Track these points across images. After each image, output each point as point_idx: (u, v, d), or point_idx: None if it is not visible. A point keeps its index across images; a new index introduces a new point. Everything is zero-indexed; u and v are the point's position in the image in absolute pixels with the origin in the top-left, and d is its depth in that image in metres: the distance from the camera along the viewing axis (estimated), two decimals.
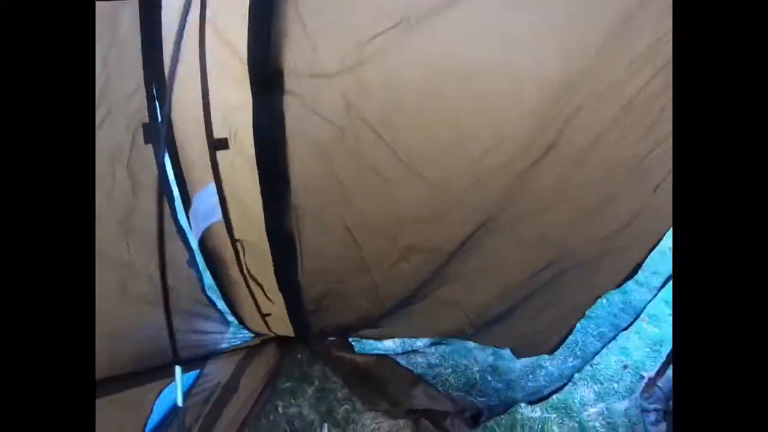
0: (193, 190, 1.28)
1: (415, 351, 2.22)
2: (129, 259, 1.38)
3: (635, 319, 1.99)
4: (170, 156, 1.26)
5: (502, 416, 2.21)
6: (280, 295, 1.49)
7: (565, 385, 1.91)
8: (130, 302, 1.50)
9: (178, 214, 1.43)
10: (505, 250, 1.37)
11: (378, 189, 1.20)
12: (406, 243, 1.32)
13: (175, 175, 1.30)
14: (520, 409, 2.29)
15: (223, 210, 1.25)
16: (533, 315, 1.65)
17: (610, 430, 2.34)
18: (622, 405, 2.40)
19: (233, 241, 1.31)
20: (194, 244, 1.28)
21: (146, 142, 1.23)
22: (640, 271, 1.59)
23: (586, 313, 1.75)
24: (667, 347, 2.74)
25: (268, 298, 1.49)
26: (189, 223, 1.26)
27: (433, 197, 1.23)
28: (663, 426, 2.32)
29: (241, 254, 1.34)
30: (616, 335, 1.83)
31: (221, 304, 1.90)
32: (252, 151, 1.15)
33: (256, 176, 1.17)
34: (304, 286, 1.45)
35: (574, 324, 1.76)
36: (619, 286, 1.58)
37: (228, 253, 1.36)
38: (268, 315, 1.73)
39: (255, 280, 1.42)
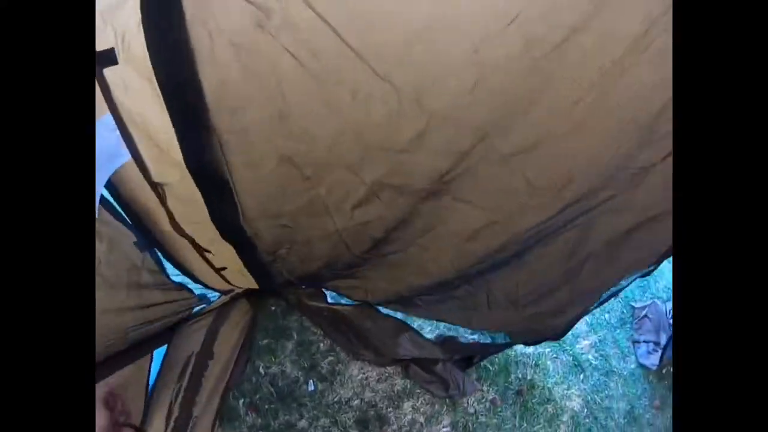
0: None
1: None
2: None
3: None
4: None
5: (496, 355, 2.05)
6: (230, 246, 1.18)
7: (567, 331, 1.69)
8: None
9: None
10: (508, 188, 1.01)
11: (325, 99, 0.83)
12: (374, 177, 0.98)
13: None
14: (513, 346, 2.11)
15: (130, 146, 0.90)
16: (543, 291, 1.36)
17: (603, 361, 2.21)
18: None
19: (153, 186, 0.98)
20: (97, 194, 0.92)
21: None
22: None
23: None
24: (656, 276, 2.57)
25: (206, 251, 1.17)
26: None
27: (406, 112, 0.85)
28: (655, 357, 2.20)
29: (166, 201, 1.01)
30: (623, 288, 1.55)
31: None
32: (147, 60, 0.77)
33: (161, 95, 0.82)
34: (251, 235, 1.12)
35: (586, 308, 1.46)
36: (658, 261, 1.20)
37: (153, 202, 1.03)
38: (223, 269, 1.42)
39: (185, 234, 1.09)
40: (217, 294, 1.80)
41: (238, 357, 1.97)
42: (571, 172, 0.97)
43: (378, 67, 0.78)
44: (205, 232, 1.13)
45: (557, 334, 1.53)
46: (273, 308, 2.10)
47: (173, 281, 1.43)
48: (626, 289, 2.41)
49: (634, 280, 1.42)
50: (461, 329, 2.08)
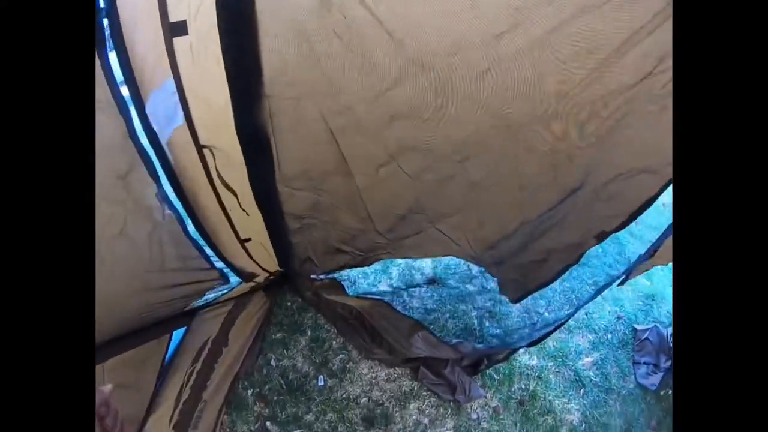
0: (146, 92, 0.93)
1: (411, 287, 1.93)
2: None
3: (627, 272, 1.64)
4: (117, 52, 0.91)
5: (501, 364, 1.96)
6: (259, 213, 1.16)
7: (559, 327, 1.64)
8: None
9: (137, 132, 1.06)
10: (522, 164, 1.02)
11: (367, 82, 0.88)
12: (396, 141, 1.00)
13: (124, 75, 0.94)
14: (518, 357, 2.01)
15: (185, 111, 0.91)
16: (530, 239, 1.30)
17: (603, 379, 2.11)
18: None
19: (200, 149, 0.98)
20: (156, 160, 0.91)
21: None
22: (634, 224, 1.25)
23: (582, 261, 1.43)
24: (659, 301, 2.49)
25: (244, 210, 1.15)
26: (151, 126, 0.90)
27: (433, 89, 0.89)
28: (654, 378, 2.10)
29: (210, 163, 1.01)
30: (609, 285, 1.53)
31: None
32: (216, 35, 0.82)
33: (222, 66, 0.84)
34: (283, 197, 1.12)
35: (566, 264, 1.39)
36: (624, 224, 1.21)
37: (194, 165, 1.03)
38: (248, 240, 1.39)
39: (228, 186, 1.08)
40: (237, 279, 1.76)
41: (251, 347, 1.91)
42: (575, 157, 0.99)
43: (417, 57, 0.81)
44: (242, 197, 1.12)
45: (542, 284, 1.46)
46: (289, 304, 2.05)
47: (197, 246, 1.38)
48: (629, 311, 2.36)
49: (629, 271, 1.37)
50: (470, 336, 2.01)
